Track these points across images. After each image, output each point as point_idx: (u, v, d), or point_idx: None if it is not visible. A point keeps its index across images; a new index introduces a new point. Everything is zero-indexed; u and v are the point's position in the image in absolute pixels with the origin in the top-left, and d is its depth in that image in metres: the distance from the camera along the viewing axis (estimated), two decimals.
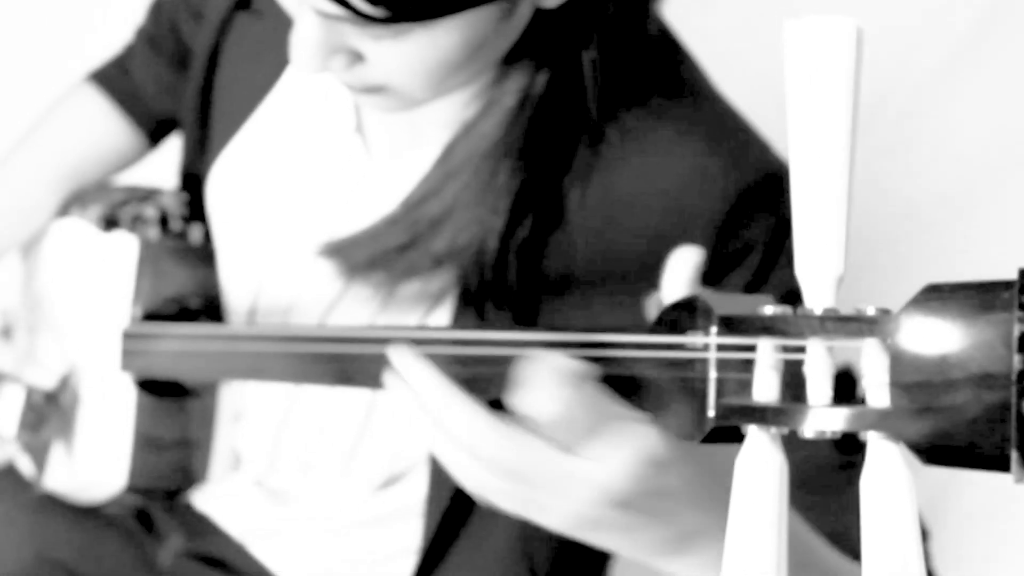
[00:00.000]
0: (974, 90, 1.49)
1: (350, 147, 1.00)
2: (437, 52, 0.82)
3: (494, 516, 0.98)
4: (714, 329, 0.58)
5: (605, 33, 0.89)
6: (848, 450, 0.90)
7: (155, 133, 1.20)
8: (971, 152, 1.49)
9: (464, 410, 0.68)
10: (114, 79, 1.19)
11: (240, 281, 1.06)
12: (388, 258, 0.92)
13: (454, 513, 0.99)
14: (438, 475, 0.97)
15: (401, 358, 0.72)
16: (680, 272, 0.66)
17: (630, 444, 0.64)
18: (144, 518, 1.15)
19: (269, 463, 1.09)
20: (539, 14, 0.87)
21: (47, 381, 1.07)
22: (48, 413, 1.06)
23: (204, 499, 1.13)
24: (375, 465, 1.03)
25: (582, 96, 0.90)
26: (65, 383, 1.07)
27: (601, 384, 0.65)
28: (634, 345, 0.63)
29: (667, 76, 0.93)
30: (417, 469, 1.02)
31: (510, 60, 0.90)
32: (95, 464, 1.05)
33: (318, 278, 0.99)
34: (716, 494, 0.67)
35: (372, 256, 0.93)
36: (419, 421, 0.70)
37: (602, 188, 0.90)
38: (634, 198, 0.90)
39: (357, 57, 0.83)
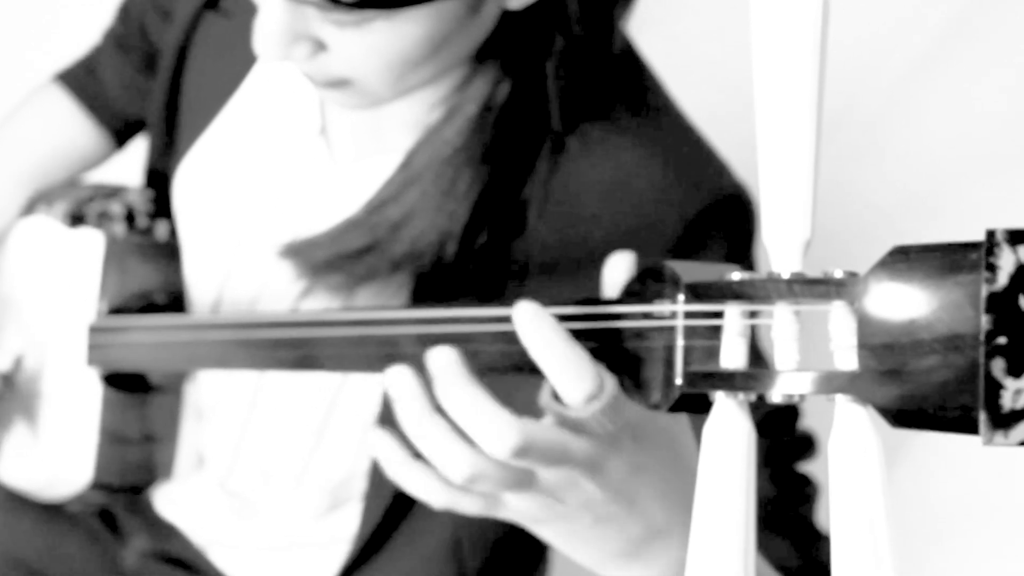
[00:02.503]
0: (943, 94, 1.50)
1: (314, 149, 1.00)
2: (400, 45, 0.82)
3: (427, 518, 0.98)
4: (681, 297, 0.58)
5: (569, 43, 0.89)
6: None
7: (121, 134, 1.20)
8: (940, 156, 1.50)
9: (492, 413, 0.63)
10: (81, 80, 1.19)
11: (205, 278, 1.06)
12: (347, 261, 0.92)
13: (390, 516, 0.99)
14: (377, 477, 0.97)
15: (435, 356, 0.66)
16: (616, 277, 0.66)
17: (609, 408, 0.63)
18: (108, 518, 1.14)
19: (231, 465, 1.08)
20: (505, 16, 0.87)
21: (2, 363, 1.07)
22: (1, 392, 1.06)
23: (168, 502, 1.12)
24: (324, 482, 1.03)
25: (544, 106, 0.90)
26: (19, 364, 1.06)
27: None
28: (602, 316, 0.62)
29: (631, 92, 0.94)
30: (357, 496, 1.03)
31: (476, 62, 0.89)
32: (60, 459, 1.05)
33: (281, 277, 0.99)
34: (682, 491, 0.67)
35: (331, 258, 0.92)
36: (410, 405, 0.65)
37: (561, 199, 0.90)
38: (592, 211, 0.90)
39: (320, 46, 0.83)
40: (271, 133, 1.03)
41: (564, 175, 0.91)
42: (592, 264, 0.88)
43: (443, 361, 0.65)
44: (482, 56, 0.89)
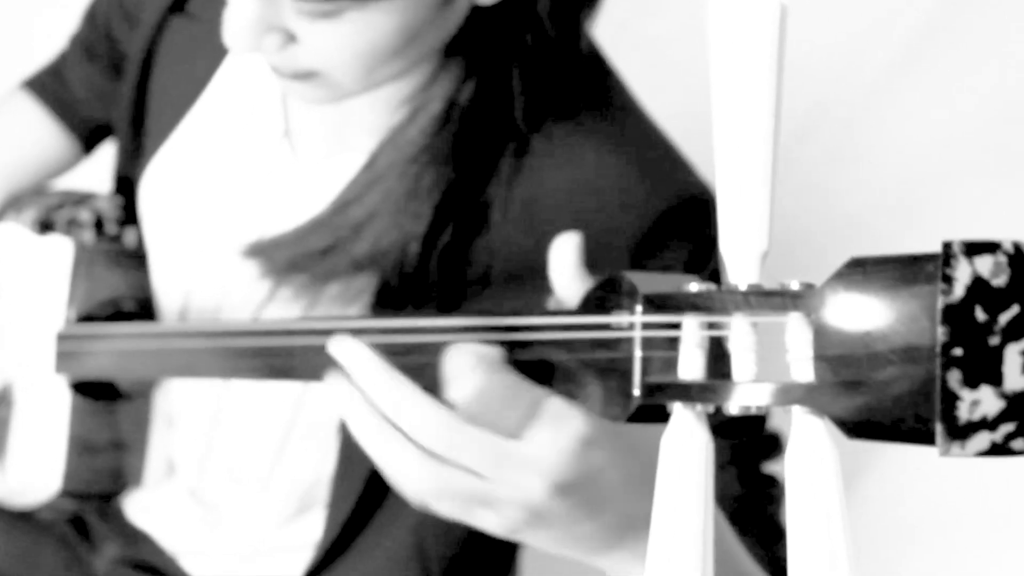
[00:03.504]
0: (917, 98, 1.50)
1: (278, 152, 1.00)
2: (372, 36, 0.81)
3: (391, 522, 0.98)
4: (639, 308, 0.57)
5: (537, 42, 0.89)
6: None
7: (89, 139, 1.19)
8: (914, 160, 1.50)
9: (416, 401, 0.65)
10: (48, 86, 1.18)
11: (171, 283, 1.05)
12: (310, 260, 0.92)
13: (354, 520, 0.99)
14: (340, 482, 0.97)
15: (343, 348, 0.69)
16: (563, 258, 0.67)
17: (562, 425, 0.63)
18: (80, 526, 1.14)
19: (200, 473, 1.08)
20: (474, 12, 0.87)
21: None
22: None
23: (139, 509, 1.12)
24: (290, 490, 1.03)
25: (509, 106, 0.90)
26: None
27: (522, 367, 0.64)
28: (560, 327, 0.62)
29: (595, 93, 0.94)
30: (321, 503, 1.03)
31: (443, 58, 0.89)
32: (29, 468, 1.04)
33: (246, 281, 0.99)
34: (651, 482, 0.67)
35: (294, 258, 0.92)
36: (359, 418, 0.67)
37: (525, 199, 0.91)
38: (556, 211, 0.90)
39: (290, 38, 0.83)
40: (235, 136, 1.02)
41: (528, 175, 0.91)
42: None
43: (355, 352, 0.67)
44: (448, 53, 0.89)
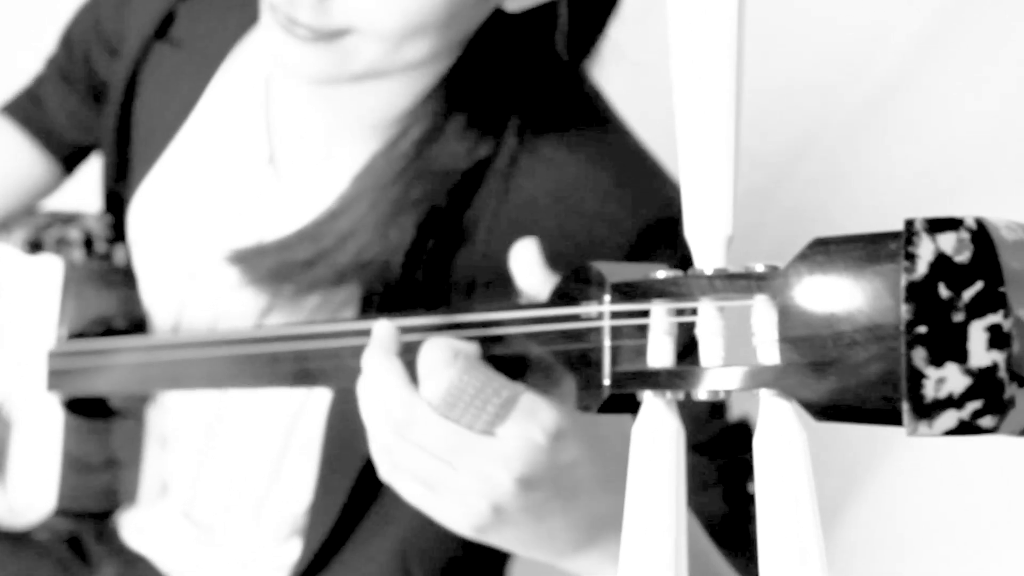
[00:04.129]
0: (913, 116, 1.50)
1: (263, 178, 1.00)
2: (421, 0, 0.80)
3: (375, 535, 0.98)
4: (607, 297, 0.57)
5: (543, 65, 0.89)
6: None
7: (69, 160, 1.19)
8: (911, 179, 1.49)
9: (405, 389, 0.66)
10: (26, 110, 1.18)
11: (162, 306, 1.06)
12: (292, 270, 0.92)
13: (336, 533, 0.99)
14: (319, 502, 0.97)
15: (379, 330, 0.70)
16: (525, 259, 0.67)
17: (532, 419, 0.63)
18: (77, 546, 1.14)
19: (193, 494, 1.08)
20: (495, 16, 0.87)
21: None
22: None
23: (134, 530, 1.12)
24: (283, 515, 1.04)
25: (500, 124, 0.90)
26: None
27: (496, 362, 0.64)
28: (529, 320, 0.62)
29: (581, 109, 0.94)
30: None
31: (442, 85, 0.89)
32: (25, 487, 1.04)
33: (237, 303, 0.99)
34: (623, 476, 0.66)
35: (276, 267, 0.92)
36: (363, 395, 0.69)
37: (510, 214, 0.90)
38: (541, 226, 0.90)
39: None
40: (221, 163, 1.02)
41: (513, 190, 0.91)
42: None
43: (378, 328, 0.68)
44: (446, 85, 0.90)
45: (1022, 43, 1.42)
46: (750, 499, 0.91)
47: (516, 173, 0.91)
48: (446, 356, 0.63)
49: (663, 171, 0.94)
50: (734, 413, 0.95)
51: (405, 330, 0.68)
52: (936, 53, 1.48)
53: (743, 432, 0.93)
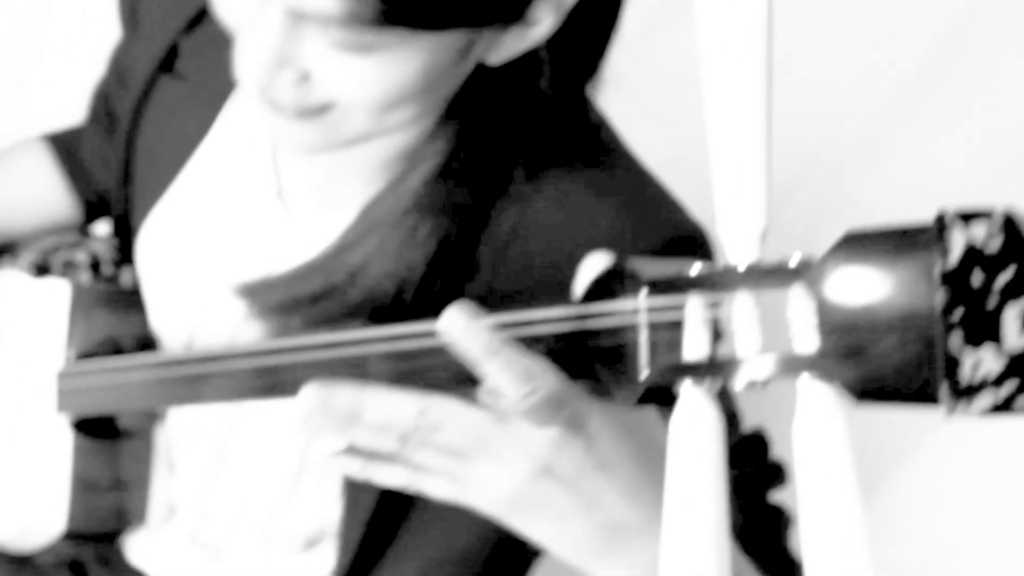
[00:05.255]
0: (907, 148, 1.52)
1: (272, 213, 1.00)
2: (400, 70, 0.79)
3: (403, 555, 0.98)
4: (643, 292, 0.59)
5: (535, 106, 0.89)
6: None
7: (92, 207, 1.20)
8: (904, 210, 1.51)
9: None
10: (66, 144, 1.20)
11: (171, 335, 1.06)
12: (301, 304, 0.92)
13: (365, 551, 0.99)
14: (349, 517, 0.97)
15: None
16: (593, 269, 0.67)
17: (567, 413, 0.64)
18: (79, 571, 1.14)
19: (200, 516, 1.08)
20: (478, 70, 0.88)
21: None
22: None
23: (141, 553, 1.12)
24: (295, 534, 1.04)
25: (506, 161, 0.91)
26: None
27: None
28: (566, 318, 0.63)
29: (585, 140, 0.94)
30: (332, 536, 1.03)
31: (444, 114, 0.90)
32: (33, 508, 1.04)
33: (248, 333, 0.99)
34: (652, 488, 0.67)
35: (284, 300, 0.92)
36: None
37: (520, 247, 0.91)
38: (547, 257, 0.90)
39: (304, 77, 0.80)
40: (229, 198, 1.03)
41: (521, 225, 0.91)
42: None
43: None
44: (449, 112, 0.90)
45: None
46: (770, 510, 0.92)
47: (524, 208, 0.91)
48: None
49: (671, 198, 0.95)
50: (747, 424, 0.95)
51: (434, 334, 0.69)
52: (931, 85, 1.51)
53: (758, 443, 0.94)
